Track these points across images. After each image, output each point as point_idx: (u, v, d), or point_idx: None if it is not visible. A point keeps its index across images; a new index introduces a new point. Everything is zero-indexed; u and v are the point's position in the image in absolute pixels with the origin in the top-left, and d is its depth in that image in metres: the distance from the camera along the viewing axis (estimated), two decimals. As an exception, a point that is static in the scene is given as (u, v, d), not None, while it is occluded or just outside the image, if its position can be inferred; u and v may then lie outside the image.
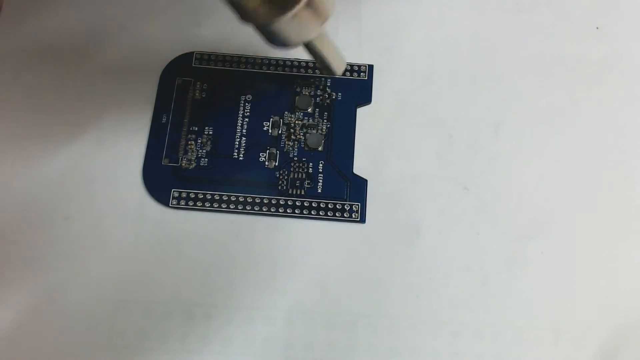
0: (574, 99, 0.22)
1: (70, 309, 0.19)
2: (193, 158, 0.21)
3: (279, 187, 0.20)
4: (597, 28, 0.23)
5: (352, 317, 0.19)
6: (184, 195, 0.20)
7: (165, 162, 0.21)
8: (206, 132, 0.21)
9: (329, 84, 0.22)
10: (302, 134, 0.21)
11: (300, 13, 0.17)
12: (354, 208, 0.20)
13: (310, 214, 0.20)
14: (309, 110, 0.21)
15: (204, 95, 0.22)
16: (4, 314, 0.19)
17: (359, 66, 0.22)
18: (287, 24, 0.17)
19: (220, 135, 0.21)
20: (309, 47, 0.19)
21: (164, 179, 0.20)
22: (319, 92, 0.22)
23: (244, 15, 0.17)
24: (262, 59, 0.22)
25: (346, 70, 0.22)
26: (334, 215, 0.20)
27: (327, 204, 0.20)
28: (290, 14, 0.16)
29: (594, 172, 0.21)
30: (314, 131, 0.21)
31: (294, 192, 0.20)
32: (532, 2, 0.23)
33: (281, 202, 0.20)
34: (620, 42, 0.22)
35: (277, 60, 0.22)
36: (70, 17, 0.22)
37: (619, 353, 0.19)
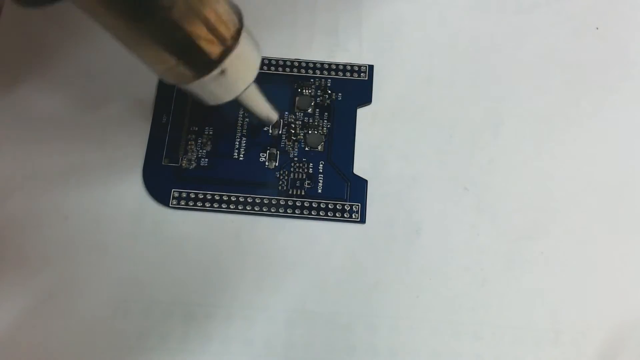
0: (573, 99, 0.22)
1: (70, 309, 0.19)
2: (193, 158, 0.21)
3: (279, 188, 0.20)
4: (597, 28, 0.23)
5: (352, 317, 0.19)
6: (184, 195, 0.20)
7: (165, 162, 0.21)
8: (206, 132, 0.21)
9: (329, 84, 0.22)
10: (302, 134, 0.21)
11: (217, 78, 0.16)
12: (354, 208, 0.20)
13: (311, 214, 0.20)
14: (309, 110, 0.21)
15: (204, 95, 0.22)
16: (4, 314, 0.19)
17: (359, 66, 0.22)
18: (206, 85, 0.16)
19: (220, 135, 0.21)
20: (238, 100, 0.18)
21: (164, 179, 0.20)
22: (319, 92, 0.22)
23: (162, 77, 0.16)
24: (262, 59, 0.22)
25: (346, 70, 0.22)
26: (334, 215, 0.20)
27: (327, 204, 0.20)
28: (207, 78, 0.15)
29: (593, 172, 0.21)
30: (314, 131, 0.21)
31: (294, 193, 0.20)
32: (533, 2, 0.23)
33: (281, 203, 0.20)
34: (620, 42, 0.22)
35: (277, 60, 0.22)
36: (70, 16, 0.22)
37: (619, 353, 0.19)
